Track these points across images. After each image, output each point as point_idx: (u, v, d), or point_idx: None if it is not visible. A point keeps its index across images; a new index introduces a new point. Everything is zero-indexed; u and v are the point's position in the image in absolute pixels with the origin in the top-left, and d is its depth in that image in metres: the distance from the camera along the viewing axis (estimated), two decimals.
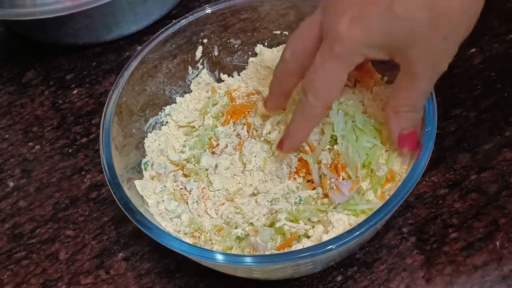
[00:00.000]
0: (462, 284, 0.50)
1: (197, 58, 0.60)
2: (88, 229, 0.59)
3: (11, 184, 0.64)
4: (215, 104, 0.58)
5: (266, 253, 0.48)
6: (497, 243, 0.52)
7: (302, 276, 0.52)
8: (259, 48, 0.60)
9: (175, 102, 0.60)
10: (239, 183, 0.53)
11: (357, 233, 0.41)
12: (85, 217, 0.60)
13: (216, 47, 0.61)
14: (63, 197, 0.62)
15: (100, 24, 0.73)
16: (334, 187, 0.49)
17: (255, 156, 0.52)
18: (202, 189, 0.53)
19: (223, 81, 0.61)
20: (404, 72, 0.43)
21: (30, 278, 0.57)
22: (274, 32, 0.60)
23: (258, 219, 0.51)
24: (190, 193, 0.53)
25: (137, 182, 0.52)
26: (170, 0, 0.77)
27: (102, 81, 0.72)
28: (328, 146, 0.50)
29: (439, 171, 0.57)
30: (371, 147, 0.49)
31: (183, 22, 0.58)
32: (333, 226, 0.47)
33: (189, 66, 0.60)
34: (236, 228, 0.50)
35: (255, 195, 0.52)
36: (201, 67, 0.61)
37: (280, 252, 0.48)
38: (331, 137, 0.50)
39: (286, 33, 0.60)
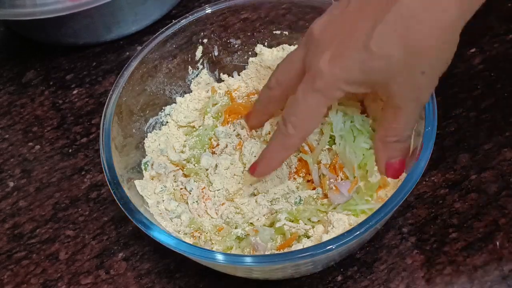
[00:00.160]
0: (462, 284, 0.50)
1: (197, 58, 0.60)
2: (88, 229, 0.59)
3: (11, 184, 0.64)
4: (215, 104, 0.58)
5: (266, 253, 0.48)
6: (497, 243, 0.52)
7: (302, 276, 0.52)
8: (259, 48, 0.60)
9: (175, 102, 0.60)
10: (239, 183, 0.53)
11: (357, 233, 0.41)
12: (85, 217, 0.60)
13: (216, 47, 0.61)
14: (63, 197, 0.62)
15: (100, 24, 0.73)
16: (333, 187, 0.49)
17: (255, 156, 0.52)
18: (202, 189, 0.53)
19: (223, 81, 0.61)
20: (387, 104, 0.44)
21: (30, 278, 0.57)
22: (274, 32, 0.60)
23: (258, 219, 0.51)
24: (190, 193, 0.53)
25: (137, 182, 0.52)
26: (170, 0, 0.77)
27: (102, 81, 0.72)
28: (327, 146, 0.50)
29: (439, 171, 0.57)
30: (368, 148, 0.49)
31: (183, 22, 0.58)
32: (333, 226, 0.47)
33: (189, 66, 0.60)
34: (236, 228, 0.50)
35: (255, 195, 0.52)
36: (201, 67, 0.61)
37: (280, 252, 0.48)
38: (330, 137, 0.50)
39: (286, 33, 0.60)
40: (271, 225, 0.50)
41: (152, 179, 0.54)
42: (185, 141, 0.57)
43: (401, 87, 0.42)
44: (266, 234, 0.49)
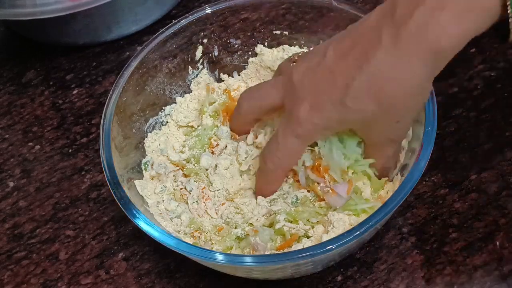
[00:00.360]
0: (462, 284, 0.50)
1: (197, 58, 0.60)
2: (88, 229, 0.59)
3: (11, 184, 0.64)
4: (213, 103, 0.58)
5: (266, 253, 0.48)
6: (497, 243, 0.52)
7: (302, 276, 0.52)
8: (259, 48, 0.60)
9: (175, 102, 0.60)
10: (239, 184, 0.53)
11: (357, 233, 0.41)
12: (85, 217, 0.60)
13: (216, 47, 0.61)
14: (63, 197, 0.62)
15: (100, 24, 0.73)
16: (329, 190, 0.49)
17: (253, 159, 0.53)
18: (202, 189, 0.53)
19: (223, 81, 0.61)
20: (366, 144, 0.49)
21: (30, 278, 0.57)
22: (274, 32, 0.60)
23: (257, 219, 0.51)
24: (190, 193, 0.53)
25: (137, 182, 0.52)
26: (170, 0, 0.77)
27: (102, 81, 0.72)
28: (308, 148, 0.50)
29: (439, 171, 0.57)
30: (361, 153, 0.49)
31: (183, 22, 0.58)
32: (333, 226, 0.47)
33: (189, 66, 0.60)
34: (236, 228, 0.50)
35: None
36: (201, 67, 0.61)
37: (280, 252, 0.48)
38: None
39: (286, 33, 0.60)
40: (271, 225, 0.50)
41: (152, 179, 0.54)
42: (184, 141, 0.57)
43: (376, 134, 0.46)
44: (266, 235, 0.49)
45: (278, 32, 0.60)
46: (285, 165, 0.49)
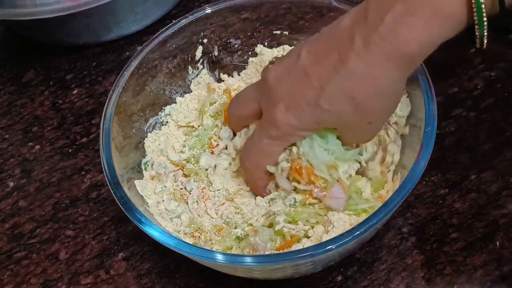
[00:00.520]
0: (462, 284, 0.50)
1: (197, 58, 0.60)
2: (88, 229, 0.59)
3: (11, 184, 0.64)
4: (213, 103, 0.58)
5: (266, 253, 0.48)
6: (497, 243, 0.52)
7: (302, 276, 0.52)
8: (259, 48, 0.60)
9: (175, 102, 0.60)
10: (239, 184, 0.53)
11: (357, 233, 0.41)
12: (85, 217, 0.60)
13: (216, 47, 0.61)
14: (63, 197, 0.62)
15: (100, 24, 0.73)
16: (326, 195, 0.48)
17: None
18: (202, 189, 0.53)
19: (223, 81, 0.61)
20: (342, 142, 0.50)
21: (30, 278, 0.57)
22: (274, 32, 0.60)
23: (257, 219, 0.51)
24: (190, 193, 0.53)
25: (137, 182, 0.52)
26: (170, 0, 0.77)
27: (102, 81, 0.72)
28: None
29: (439, 171, 0.57)
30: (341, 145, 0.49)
31: (183, 22, 0.58)
32: (333, 226, 0.47)
33: (189, 66, 0.60)
34: (235, 228, 0.50)
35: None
36: (201, 67, 0.61)
37: (280, 252, 0.48)
38: None
39: (286, 33, 0.60)
40: (270, 225, 0.50)
41: (152, 179, 0.54)
42: (184, 141, 0.57)
43: (350, 132, 0.48)
44: (266, 235, 0.49)
45: (278, 32, 0.60)
46: (261, 165, 0.50)
